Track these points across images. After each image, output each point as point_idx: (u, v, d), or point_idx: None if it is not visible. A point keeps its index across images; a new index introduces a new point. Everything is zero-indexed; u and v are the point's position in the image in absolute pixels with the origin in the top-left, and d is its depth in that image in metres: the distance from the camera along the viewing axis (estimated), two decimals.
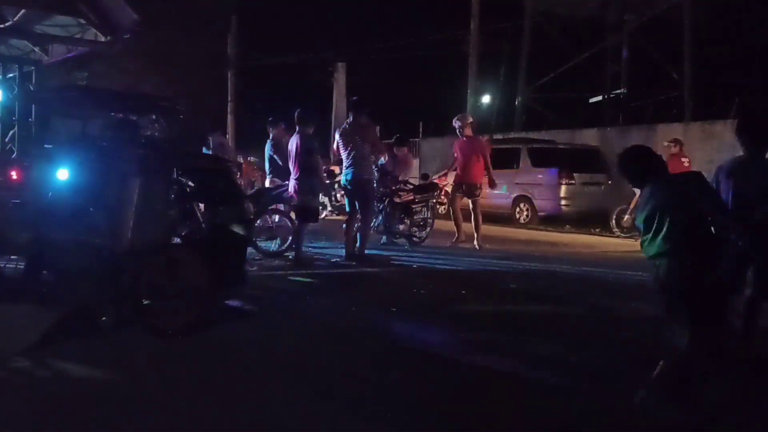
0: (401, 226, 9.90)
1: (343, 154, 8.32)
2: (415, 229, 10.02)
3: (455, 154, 10.23)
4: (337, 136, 8.27)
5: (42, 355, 4.13)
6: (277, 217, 8.83)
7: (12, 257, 5.44)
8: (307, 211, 8.07)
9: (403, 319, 5.45)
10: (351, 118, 8.42)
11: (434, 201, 10.69)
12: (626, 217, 12.16)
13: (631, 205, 12.01)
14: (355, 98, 8.99)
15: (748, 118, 4.30)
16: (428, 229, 10.25)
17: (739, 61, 19.87)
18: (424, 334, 5.05)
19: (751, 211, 3.96)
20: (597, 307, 6.07)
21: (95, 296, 4.76)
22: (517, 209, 14.93)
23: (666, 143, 10.96)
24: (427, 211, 10.21)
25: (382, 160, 9.61)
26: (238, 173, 11.75)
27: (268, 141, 9.64)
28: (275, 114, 9.98)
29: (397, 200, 9.86)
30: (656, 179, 3.56)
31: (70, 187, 4.98)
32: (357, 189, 8.26)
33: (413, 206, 9.97)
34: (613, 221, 12.52)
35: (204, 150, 11.29)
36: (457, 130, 10.06)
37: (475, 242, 9.78)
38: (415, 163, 17.57)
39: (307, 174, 7.94)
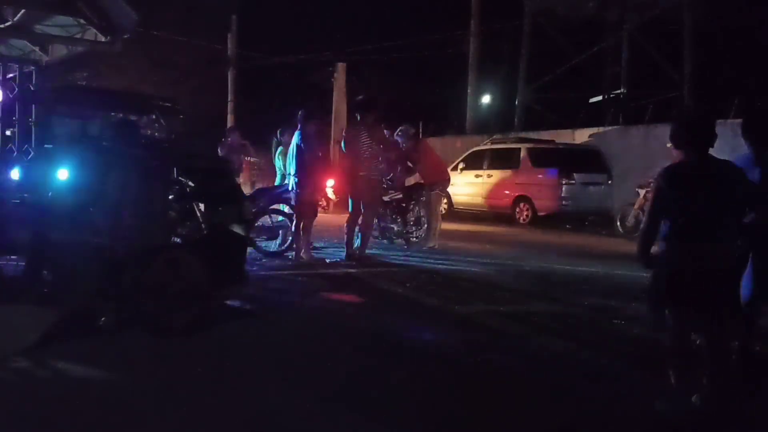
0: (395, 226, 9.87)
1: (350, 154, 8.32)
2: (411, 228, 9.96)
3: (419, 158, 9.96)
4: (346, 138, 8.29)
5: (42, 355, 4.13)
6: (277, 217, 8.82)
7: (12, 257, 5.44)
8: (306, 206, 8.10)
9: (403, 319, 5.45)
10: (358, 118, 8.40)
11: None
12: (630, 217, 12.24)
13: (635, 206, 12.04)
14: (361, 98, 8.95)
15: (754, 116, 4.28)
16: (425, 227, 10.20)
17: (739, 61, 19.84)
18: (424, 334, 5.05)
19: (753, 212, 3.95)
20: (597, 307, 6.07)
21: (95, 296, 4.76)
22: (517, 209, 14.94)
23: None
24: (420, 209, 10.09)
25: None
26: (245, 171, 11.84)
27: (281, 146, 9.74)
28: (279, 114, 10.11)
29: (386, 199, 9.75)
30: None
31: (70, 187, 4.98)
32: (362, 189, 8.26)
33: (404, 205, 9.88)
34: (618, 222, 12.58)
35: (219, 149, 11.39)
36: (402, 143, 9.79)
37: (434, 242, 9.79)
38: None
39: (307, 170, 7.97)
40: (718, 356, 3.41)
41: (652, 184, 3.53)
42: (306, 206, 8.08)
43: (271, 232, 8.72)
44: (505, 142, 16.72)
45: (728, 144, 3.69)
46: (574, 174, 14.49)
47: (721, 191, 3.37)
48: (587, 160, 15.09)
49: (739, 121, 4.46)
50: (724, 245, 3.37)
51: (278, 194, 8.83)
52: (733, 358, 3.53)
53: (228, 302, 5.50)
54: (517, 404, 3.67)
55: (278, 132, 11.03)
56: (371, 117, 8.35)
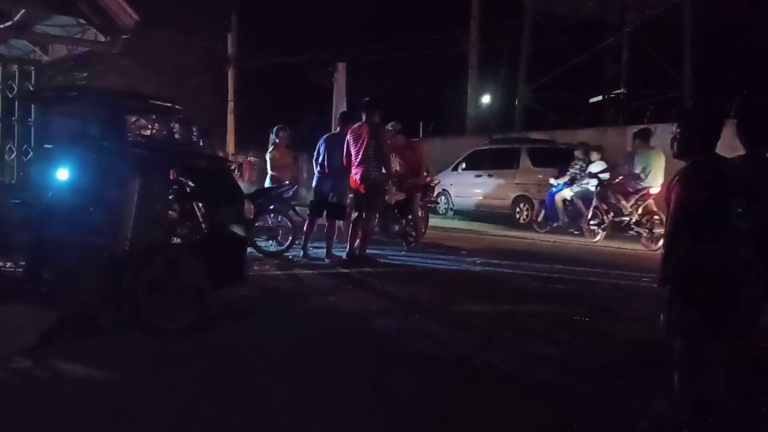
0: (397, 226, 9.87)
1: (353, 153, 8.31)
2: (410, 228, 9.95)
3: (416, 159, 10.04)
4: (349, 137, 8.25)
5: (42, 355, 4.13)
6: (278, 217, 8.82)
7: (12, 257, 5.44)
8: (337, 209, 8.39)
9: (403, 319, 5.45)
10: (363, 118, 8.39)
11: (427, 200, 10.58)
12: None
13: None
14: (367, 98, 8.94)
15: (751, 115, 4.27)
16: (424, 228, 10.19)
17: (739, 61, 19.86)
18: (423, 334, 5.04)
19: None
20: (597, 307, 6.07)
21: (95, 296, 4.76)
22: (517, 209, 14.93)
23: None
24: (421, 210, 10.09)
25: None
26: (238, 173, 11.81)
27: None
28: (279, 114, 10.13)
29: (391, 201, 9.75)
30: None
31: (70, 187, 4.98)
32: (363, 188, 8.25)
33: (407, 205, 9.86)
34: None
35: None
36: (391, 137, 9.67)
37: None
38: None
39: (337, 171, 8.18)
40: (733, 359, 3.38)
41: (675, 184, 3.42)
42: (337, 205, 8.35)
43: (271, 232, 8.73)
44: (505, 142, 16.72)
45: (727, 145, 3.67)
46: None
47: (731, 190, 3.34)
48: None
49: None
50: (735, 245, 3.33)
51: (278, 194, 8.82)
52: (746, 361, 3.49)
53: (228, 302, 5.50)
54: (517, 404, 3.67)
55: (274, 130, 10.88)
56: (376, 117, 8.33)
